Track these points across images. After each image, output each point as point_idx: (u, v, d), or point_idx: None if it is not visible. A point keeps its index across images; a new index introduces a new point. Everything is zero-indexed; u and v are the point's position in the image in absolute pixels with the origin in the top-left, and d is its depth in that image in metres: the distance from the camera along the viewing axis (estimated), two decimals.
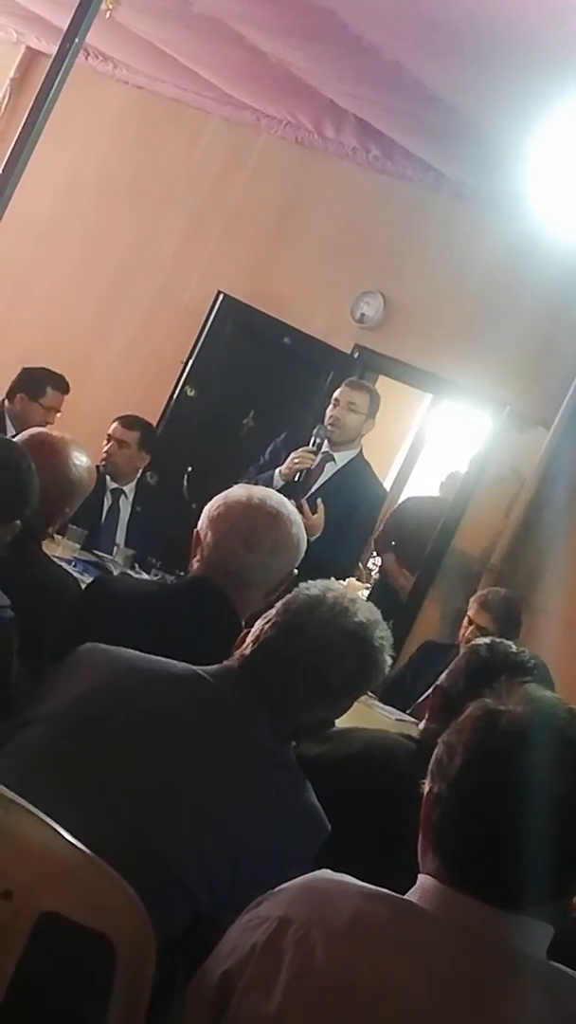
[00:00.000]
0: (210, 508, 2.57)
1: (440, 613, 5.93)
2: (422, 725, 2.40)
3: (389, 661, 2.06)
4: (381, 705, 4.34)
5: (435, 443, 8.71)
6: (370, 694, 3.97)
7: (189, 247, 6.91)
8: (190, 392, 6.54)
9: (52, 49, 4.47)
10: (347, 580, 5.67)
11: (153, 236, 7.02)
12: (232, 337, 6.52)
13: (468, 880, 1.38)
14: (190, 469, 6.14)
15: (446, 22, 3.78)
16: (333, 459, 5.12)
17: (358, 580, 6.83)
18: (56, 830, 1.61)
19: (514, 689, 1.47)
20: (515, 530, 5.69)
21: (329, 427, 5.05)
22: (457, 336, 6.05)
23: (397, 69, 4.41)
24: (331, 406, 5.12)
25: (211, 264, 6.76)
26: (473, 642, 2.43)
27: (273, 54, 5.10)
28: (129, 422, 5.43)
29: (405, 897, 1.42)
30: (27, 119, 4.10)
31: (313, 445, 4.98)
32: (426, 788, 1.46)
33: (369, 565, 7.34)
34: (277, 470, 4.98)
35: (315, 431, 4.99)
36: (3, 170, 4.12)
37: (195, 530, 2.58)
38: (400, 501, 7.63)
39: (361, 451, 5.21)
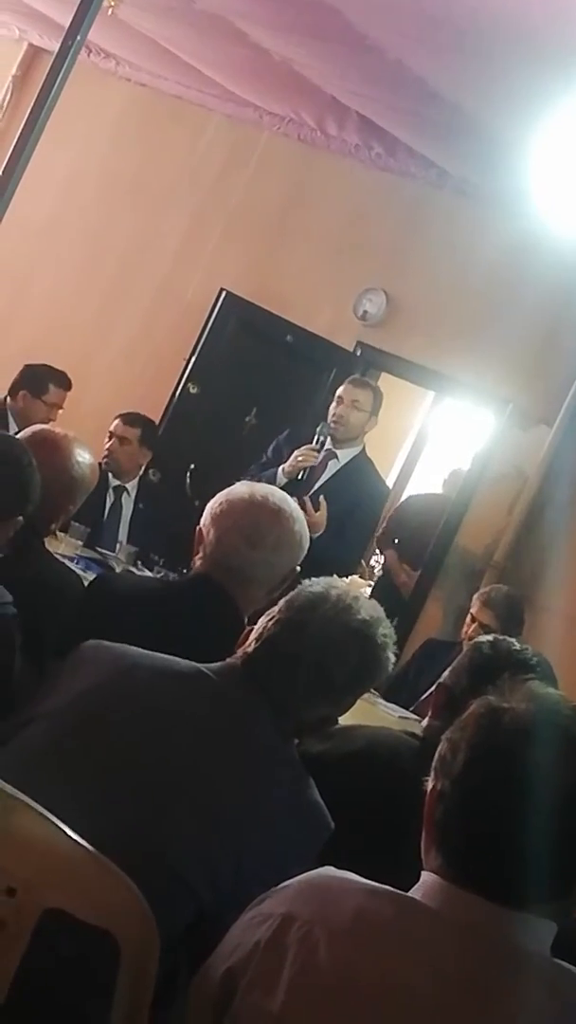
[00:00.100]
0: (213, 505, 2.57)
1: (443, 610, 5.93)
2: (425, 722, 2.40)
3: (392, 659, 2.06)
4: (384, 702, 4.34)
5: (438, 440, 8.72)
6: (373, 691, 3.97)
7: (191, 244, 6.90)
8: (192, 389, 6.54)
9: (54, 46, 4.47)
10: (350, 577, 5.69)
11: (155, 233, 7.02)
12: (234, 334, 6.52)
13: (471, 877, 1.38)
14: (192, 466, 6.14)
15: (448, 19, 3.78)
16: (336, 456, 5.11)
17: (361, 577, 6.85)
18: (59, 827, 1.61)
19: (517, 686, 1.47)
20: (518, 527, 5.69)
21: (333, 425, 5.05)
22: (460, 333, 6.05)
23: (400, 66, 4.41)
24: (335, 404, 5.11)
25: (213, 261, 6.76)
26: (476, 639, 2.43)
27: (275, 51, 5.10)
28: (130, 419, 5.43)
29: (408, 894, 1.42)
30: (29, 116, 4.09)
31: (317, 443, 4.97)
32: (429, 785, 1.46)
33: (372, 562, 7.35)
34: (280, 468, 4.97)
35: (319, 429, 4.99)
36: (5, 168, 4.11)
37: (197, 527, 2.58)
38: (403, 498, 7.64)
39: (364, 448, 5.21)
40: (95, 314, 7.12)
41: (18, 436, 3.12)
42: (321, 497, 4.88)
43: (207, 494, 2.67)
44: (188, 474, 6.12)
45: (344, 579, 2.41)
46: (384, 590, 6.21)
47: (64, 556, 4.06)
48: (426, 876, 1.43)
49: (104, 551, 5.04)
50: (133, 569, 4.88)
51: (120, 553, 5.07)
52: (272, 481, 4.70)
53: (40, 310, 7.21)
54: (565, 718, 1.44)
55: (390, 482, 7.64)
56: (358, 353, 6.35)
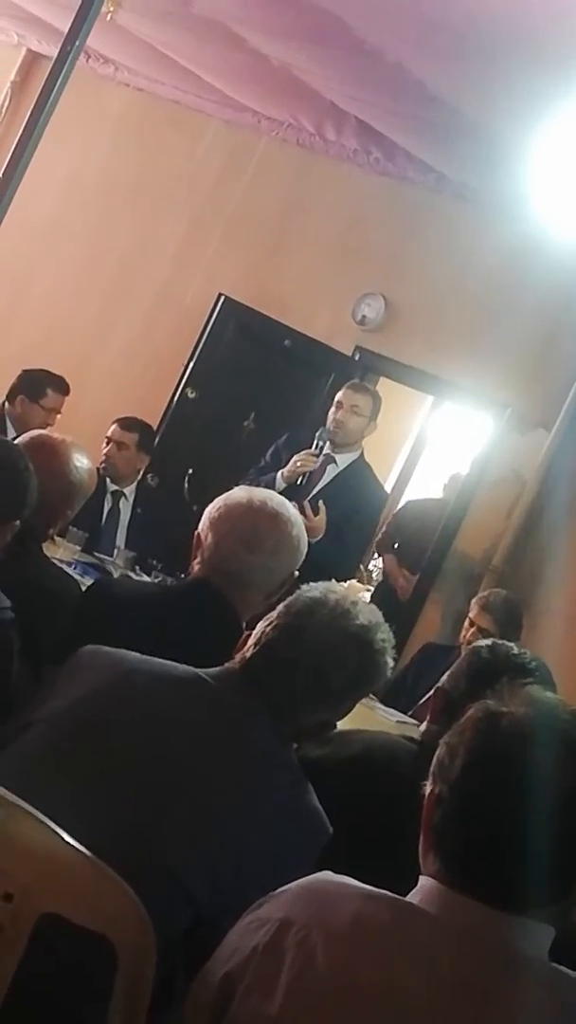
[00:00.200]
0: (211, 510, 2.57)
1: (441, 615, 5.93)
2: (423, 727, 2.39)
3: (391, 663, 2.06)
4: (382, 707, 4.34)
5: (436, 445, 8.72)
6: (371, 696, 3.97)
7: (190, 249, 6.91)
8: (191, 394, 6.54)
9: (53, 52, 4.47)
10: (348, 582, 5.68)
11: (154, 238, 7.03)
12: (233, 339, 6.52)
13: (469, 881, 1.38)
14: (191, 471, 6.14)
15: (447, 23, 3.78)
16: (335, 461, 5.11)
17: (359, 582, 6.84)
18: (57, 832, 1.61)
19: (516, 691, 1.47)
20: (516, 532, 5.70)
21: (332, 430, 5.05)
22: (458, 338, 6.05)
23: (399, 71, 4.41)
24: (333, 409, 5.11)
25: (212, 266, 6.77)
26: (474, 644, 2.43)
27: (274, 56, 5.10)
28: (128, 424, 5.43)
29: (406, 899, 1.42)
30: (28, 121, 4.10)
31: (316, 448, 4.98)
32: (427, 790, 1.46)
33: (370, 567, 7.35)
34: (279, 472, 4.98)
35: (318, 434, 4.99)
36: (4, 172, 4.11)
37: (196, 532, 2.58)
38: (401, 503, 7.65)
39: (363, 453, 5.21)
40: (94, 318, 7.12)
41: (16, 441, 3.12)
42: (320, 502, 4.89)
43: (205, 499, 2.67)
44: (186, 479, 6.12)
45: (343, 584, 2.41)
46: (383, 594, 6.22)
47: (62, 561, 4.05)
48: (424, 880, 1.43)
49: (102, 556, 5.04)
50: (131, 574, 4.88)
51: (118, 558, 5.07)
52: (271, 486, 4.70)
53: (39, 314, 7.21)
54: (563, 722, 1.44)
55: (389, 486, 7.65)
56: (357, 358, 6.35)
